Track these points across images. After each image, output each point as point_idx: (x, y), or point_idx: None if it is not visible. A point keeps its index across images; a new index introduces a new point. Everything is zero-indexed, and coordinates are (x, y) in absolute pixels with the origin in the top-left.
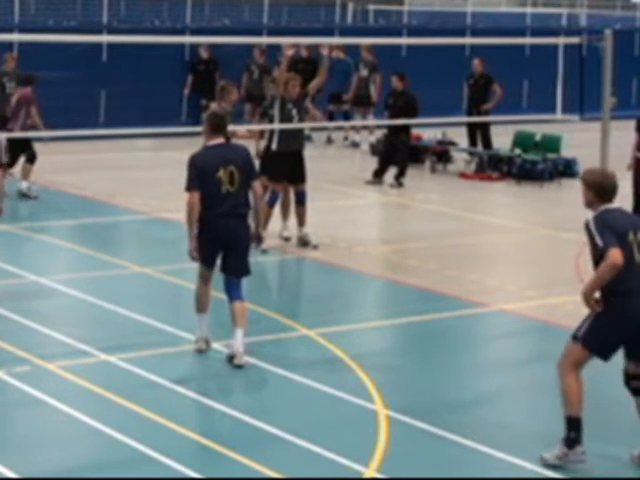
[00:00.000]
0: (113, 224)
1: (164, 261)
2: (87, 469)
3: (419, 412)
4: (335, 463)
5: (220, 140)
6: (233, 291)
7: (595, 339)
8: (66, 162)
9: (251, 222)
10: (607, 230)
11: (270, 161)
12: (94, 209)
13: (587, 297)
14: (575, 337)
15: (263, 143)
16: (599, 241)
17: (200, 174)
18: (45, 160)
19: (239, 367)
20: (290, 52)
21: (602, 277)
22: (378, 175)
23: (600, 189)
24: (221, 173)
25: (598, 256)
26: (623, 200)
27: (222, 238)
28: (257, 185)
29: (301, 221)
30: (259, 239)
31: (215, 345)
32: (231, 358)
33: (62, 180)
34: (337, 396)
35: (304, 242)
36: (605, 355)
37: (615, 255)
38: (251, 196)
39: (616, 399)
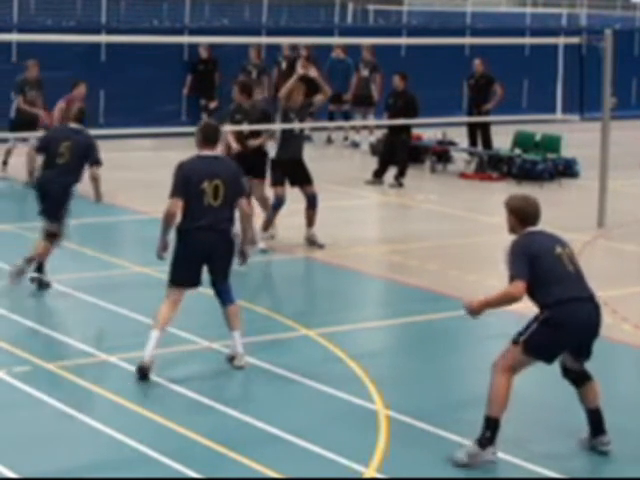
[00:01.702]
0: (113, 224)
1: (164, 261)
2: (87, 469)
3: (419, 412)
4: (335, 463)
5: (211, 152)
6: (225, 295)
7: (537, 346)
8: None
9: (237, 238)
10: (521, 258)
11: (270, 168)
12: (94, 209)
13: (473, 310)
14: (516, 341)
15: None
16: (510, 269)
17: (185, 182)
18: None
19: (240, 368)
20: (302, 71)
21: (498, 303)
22: (378, 175)
23: (522, 214)
24: (205, 185)
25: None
26: (635, 200)
27: (201, 253)
28: (244, 203)
29: (310, 223)
30: (244, 257)
31: (215, 345)
32: (231, 359)
33: None
34: (337, 396)
35: (311, 242)
36: (548, 359)
37: (518, 288)
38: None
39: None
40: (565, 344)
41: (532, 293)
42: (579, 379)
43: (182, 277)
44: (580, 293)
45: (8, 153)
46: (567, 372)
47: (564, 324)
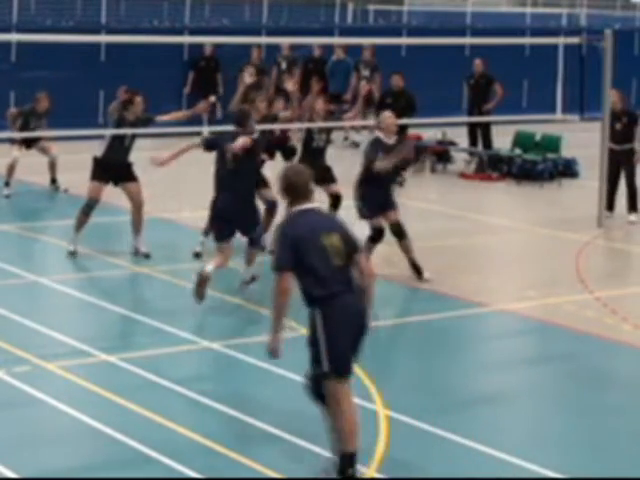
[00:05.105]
0: (113, 224)
1: (164, 261)
2: (87, 469)
3: (419, 412)
4: (335, 463)
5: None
6: (251, 241)
7: (340, 359)
8: (66, 162)
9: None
10: (284, 243)
11: None
12: (94, 209)
13: (273, 341)
14: (325, 375)
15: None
16: (274, 257)
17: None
18: (44, 160)
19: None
20: (249, 80)
21: (278, 306)
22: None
23: (290, 188)
24: (229, 155)
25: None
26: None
27: (224, 213)
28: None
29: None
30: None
31: (215, 345)
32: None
33: (62, 180)
34: None
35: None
36: (350, 370)
37: (283, 282)
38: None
39: None
40: (350, 339)
41: (299, 281)
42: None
43: (217, 233)
44: (344, 286)
45: (52, 169)
46: (317, 381)
47: (338, 319)
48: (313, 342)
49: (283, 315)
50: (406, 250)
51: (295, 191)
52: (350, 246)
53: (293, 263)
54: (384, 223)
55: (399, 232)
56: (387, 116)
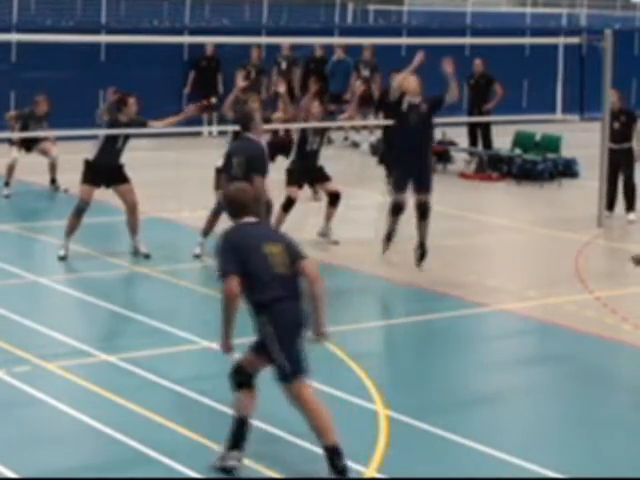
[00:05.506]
0: (112, 224)
1: (164, 261)
2: (87, 469)
3: (419, 412)
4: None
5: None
6: None
7: (298, 359)
8: (66, 162)
9: None
10: (227, 252)
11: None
12: (94, 209)
13: (225, 344)
14: (287, 379)
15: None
16: (218, 266)
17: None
18: (44, 160)
19: None
20: (241, 84)
21: (226, 312)
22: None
23: (232, 203)
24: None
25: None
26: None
27: None
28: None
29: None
30: None
31: (215, 345)
32: None
33: (62, 180)
34: (337, 396)
35: (322, 234)
36: (305, 367)
37: (230, 285)
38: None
39: None
40: (297, 336)
41: (245, 291)
42: (251, 382)
43: None
44: (287, 293)
45: (52, 169)
46: (239, 371)
47: (284, 321)
48: (265, 348)
49: (232, 320)
50: (422, 230)
51: (237, 206)
52: (293, 255)
53: (236, 268)
54: (408, 200)
55: (423, 211)
56: (408, 79)
